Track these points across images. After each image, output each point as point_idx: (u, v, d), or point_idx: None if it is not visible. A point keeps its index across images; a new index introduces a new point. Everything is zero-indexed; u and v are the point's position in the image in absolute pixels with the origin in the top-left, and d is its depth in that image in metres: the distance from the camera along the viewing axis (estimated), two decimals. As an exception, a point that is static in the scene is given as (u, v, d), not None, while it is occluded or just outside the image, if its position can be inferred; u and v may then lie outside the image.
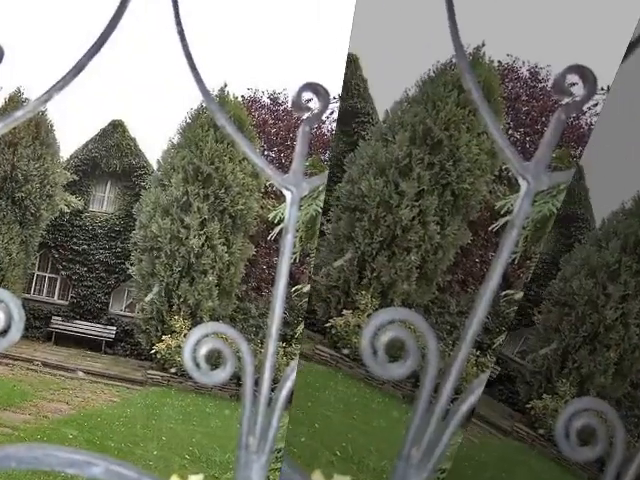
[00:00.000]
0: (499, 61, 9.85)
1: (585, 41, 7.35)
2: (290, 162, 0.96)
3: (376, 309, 9.29)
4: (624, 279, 8.71)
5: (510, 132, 10.31)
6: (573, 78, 0.86)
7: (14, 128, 1.00)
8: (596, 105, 8.49)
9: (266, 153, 11.32)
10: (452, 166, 9.46)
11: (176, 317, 10.55)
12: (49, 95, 0.94)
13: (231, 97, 10.68)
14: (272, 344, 0.96)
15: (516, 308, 9.43)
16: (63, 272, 12.20)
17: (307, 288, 9.51)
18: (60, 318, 12.05)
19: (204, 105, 10.44)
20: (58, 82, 0.94)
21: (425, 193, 9.55)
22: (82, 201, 12.03)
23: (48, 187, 11.13)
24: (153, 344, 10.59)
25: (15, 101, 10.53)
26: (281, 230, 0.97)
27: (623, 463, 0.82)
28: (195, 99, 9.99)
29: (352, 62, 10.60)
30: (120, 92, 10.37)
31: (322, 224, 9.95)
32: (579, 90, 0.86)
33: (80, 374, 10.64)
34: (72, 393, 9.94)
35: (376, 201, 9.60)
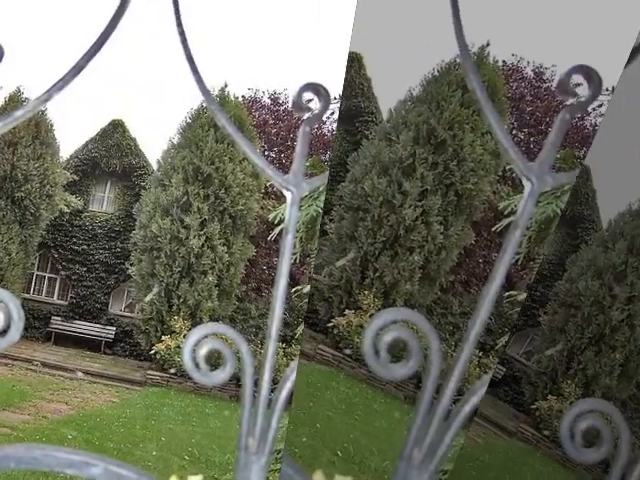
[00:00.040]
0: (504, 61, 9.84)
1: (590, 41, 7.34)
2: (290, 162, 0.96)
3: (379, 309, 9.29)
4: (630, 280, 8.71)
5: (514, 132, 10.30)
6: (578, 79, 0.86)
7: (14, 128, 0.99)
8: (601, 106, 8.50)
9: (266, 153, 11.32)
10: (456, 166, 9.45)
11: (176, 317, 10.55)
12: (49, 95, 0.94)
13: (231, 97, 10.68)
14: (272, 345, 0.96)
15: (519, 309, 9.44)
16: (63, 272, 12.20)
17: (307, 289, 9.51)
18: (59, 318, 12.05)
19: (204, 105, 10.44)
20: (58, 82, 0.94)
21: (428, 193, 9.54)
22: (82, 201, 12.03)
23: (48, 187, 11.13)
24: (153, 344, 10.59)
25: (15, 100, 10.53)
26: (281, 231, 0.97)
27: (628, 465, 0.82)
28: (195, 99, 10.00)
29: (356, 61, 10.61)
30: (120, 92, 10.38)
31: (325, 223, 9.95)
32: (584, 91, 0.86)
33: (79, 374, 10.63)
34: (71, 393, 9.94)
35: (379, 201, 9.59)
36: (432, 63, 9.46)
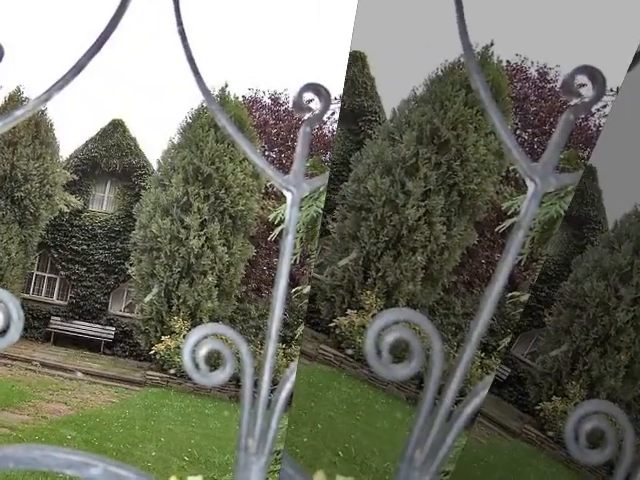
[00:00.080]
0: (508, 61, 9.82)
1: (594, 42, 7.34)
2: (291, 163, 0.97)
3: (381, 309, 9.28)
4: (636, 281, 8.71)
5: (518, 132, 10.29)
6: (582, 79, 0.86)
7: (14, 127, 0.99)
8: (605, 107, 8.49)
9: (267, 154, 11.32)
10: (459, 166, 9.44)
11: (175, 318, 10.55)
12: (49, 94, 0.94)
13: (232, 97, 10.68)
14: (272, 345, 0.96)
15: (522, 310, 9.43)
16: (62, 272, 12.20)
17: (307, 289, 9.51)
18: (59, 318, 12.05)
19: (205, 105, 10.44)
20: (58, 81, 0.93)
21: (431, 193, 9.53)
22: (82, 201, 12.03)
23: (48, 187, 11.13)
24: (152, 345, 10.59)
25: (15, 100, 10.53)
26: (281, 231, 0.97)
27: (632, 466, 0.81)
28: (196, 99, 10.00)
29: (360, 60, 10.61)
30: (120, 92, 10.38)
31: (327, 223, 9.96)
32: (588, 91, 0.86)
33: (79, 375, 10.63)
34: (71, 394, 9.93)
35: (382, 200, 9.58)
36: (436, 63, 9.46)
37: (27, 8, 9.61)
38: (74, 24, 8.35)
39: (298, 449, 7.14)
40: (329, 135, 10.40)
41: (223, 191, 10.54)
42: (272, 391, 0.95)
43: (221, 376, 0.93)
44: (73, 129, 11.65)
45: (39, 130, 10.87)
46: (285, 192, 0.97)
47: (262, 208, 10.94)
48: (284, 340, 9.31)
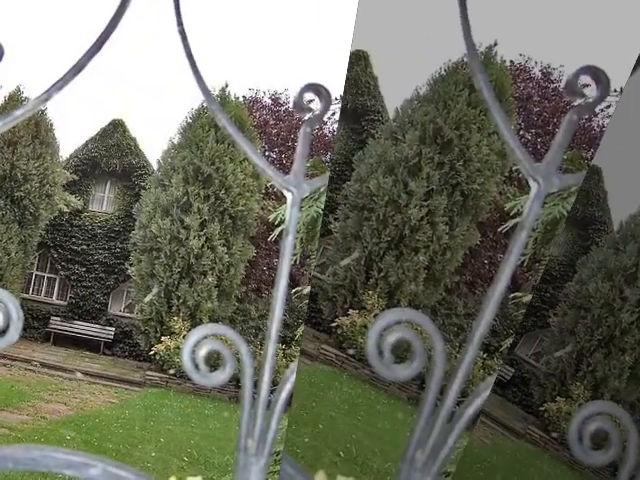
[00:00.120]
0: (511, 61, 9.81)
1: (598, 42, 7.34)
2: (291, 163, 0.97)
3: (383, 309, 9.27)
4: (641, 283, 8.73)
5: (521, 133, 10.28)
6: (586, 79, 0.86)
7: (14, 127, 0.99)
8: (609, 107, 8.49)
9: (267, 154, 11.32)
10: (462, 166, 9.43)
11: (175, 318, 10.55)
12: (49, 94, 0.94)
13: (232, 97, 10.68)
14: (272, 346, 0.96)
15: (524, 311, 9.43)
16: (62, 272, 12.20)
17: (307, 290, 9.51)
18: (59, 318, 12.04)
19: (205, 105, 10.45)
20: (58, 81, 0.93)
21: (434, 193, 9.52)
22: (81, 201, 12.03)
23: (47, 186, 11.13)
24: (152, 345, 10.59)
25: (15, 100, 10.53)
26: (282, 231, 0.97)
27: (636, 467, 0.81)
28: (196, 99, 10.00)
29: (362, 59, 10.60)
30: (120, 92, 10.38)
31: (329, 222, 9.95)
32: (592, 91, 0.86)
33: (78, 375, 10.63)
34: (70, 394, 9.93)
35: (384, 200, 9.57)
36: (439, 62, 9.45)
37: (27, 8, 9.61)
38: (74, 24, 8.35)
39: (299, 449, 7.14)
40: (329, 135, 10.40)
41: (223, 191, 10.54)
42: (272, 392, 0.95)
43: (221, 377, 0.93)
44: (73, 129, 11.66)
45: (39, 130, 10.87)
46: (285, 192, 0.97)
47: (262, 208, 10.94)
48: (284, 341, 9.31)
